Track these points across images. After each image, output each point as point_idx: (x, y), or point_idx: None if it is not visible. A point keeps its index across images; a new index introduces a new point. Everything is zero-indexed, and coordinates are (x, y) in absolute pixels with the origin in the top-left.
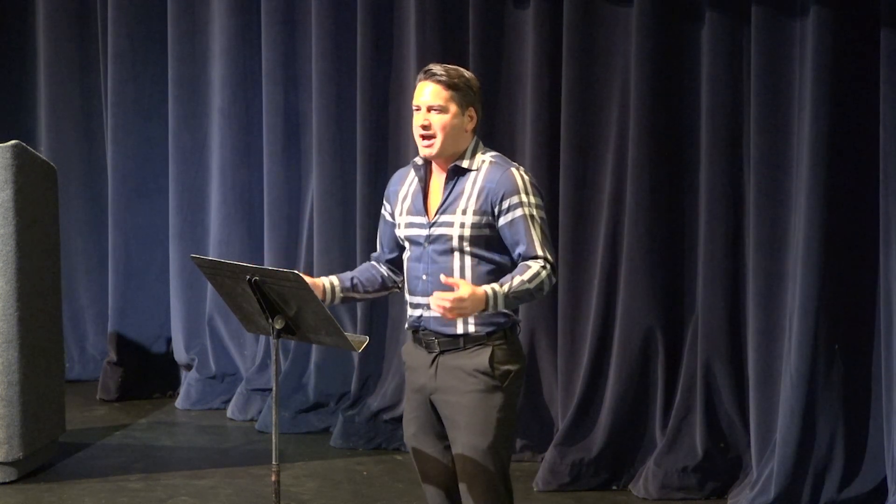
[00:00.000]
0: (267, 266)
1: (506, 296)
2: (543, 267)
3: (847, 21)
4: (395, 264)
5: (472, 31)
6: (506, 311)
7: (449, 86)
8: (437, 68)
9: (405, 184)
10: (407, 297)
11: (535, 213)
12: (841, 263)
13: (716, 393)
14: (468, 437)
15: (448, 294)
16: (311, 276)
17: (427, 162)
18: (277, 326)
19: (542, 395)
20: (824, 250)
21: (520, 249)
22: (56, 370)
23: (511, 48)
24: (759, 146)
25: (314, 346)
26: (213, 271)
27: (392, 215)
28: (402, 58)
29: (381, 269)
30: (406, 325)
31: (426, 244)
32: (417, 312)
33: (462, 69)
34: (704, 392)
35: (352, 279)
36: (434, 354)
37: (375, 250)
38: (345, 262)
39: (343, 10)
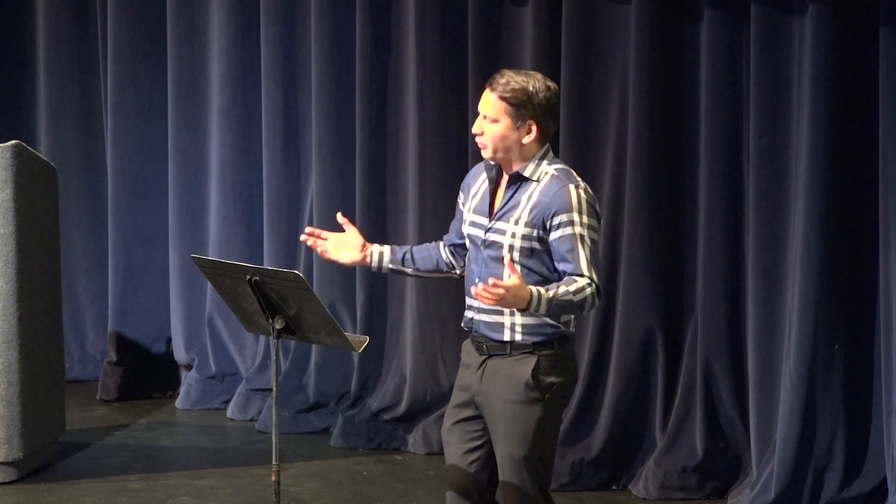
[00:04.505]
0: (267, 266)
1: (549, 301)
2: (589, 285)
3: (846, 20)
4: (460, 250)
5: (471, 31)
6: (552, 321)
7: (504, 99)
8: (502, 79)
9: (479, 179)
10: (466, 295)
11: (585, 233)
12: (841, 263)
13: (716, 393)
14: (506, 446)
15: (494, 287)
16: (311, 277)
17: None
18: (277, 326)
19: None
20: (824, 250)
21: (565, 267)
22: (56, 370)
23: (510, 47)
24: (759, 146)
25: (314, 346)
26: (213, 271)
27: (464, 206)
28: (402, 57)
29: (442, 252)
30: (462, 324)
31: (482, 247)
32: (470, 314)
33: (532, 79)
34: (704, 392)
35: (405, 254)
36: (484, 357)
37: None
38: None
39: (343, 9)
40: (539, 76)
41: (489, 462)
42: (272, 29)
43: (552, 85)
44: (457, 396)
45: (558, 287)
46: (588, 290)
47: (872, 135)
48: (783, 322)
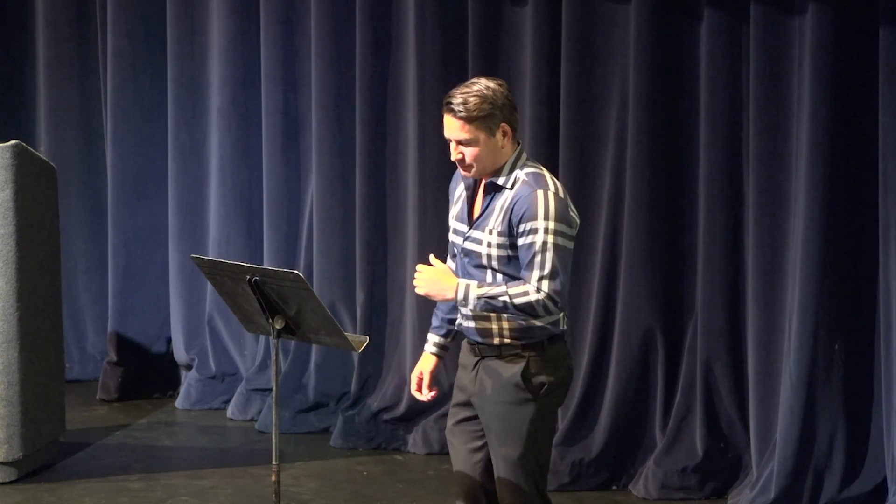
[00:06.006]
0: (267, 266)
1: (478, 297)
2: (537, 291)
3: (846, 20)
4: None
5: (471, 31)
6: (539, 322)
7: (469, 119)
8: (456, 100)
9: (460, 185)
10: None
11: (549, 240)
12: (841, 263)
13: (716, 393)
14: (500, 447)
15: (422, 267)
16: (311, 276)
17: None
18: (277, 326)
19: None
20: (824, 250)
21: (523, 274)
22: (56, 370)
23: (510, 47)
24: (759, 145)
25: (314, 346)
26: (213, 271)
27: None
28: (402, 57)
29: None
30: (455, 325)
31: (462, 255)
32: (460, 320)
33: (482, 88)
34: (704, 392)
35: (450, 328)
36: (477, 358)
37: (374, 251)
38: (344, 263)
39: (342, 9)
40: (484, 80)
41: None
42: (272, 29)
43: (500, 81)
44: (456, 396)
45: (497, 286)
46: (532, 297)
47: (872, 135)
48: (783, 322)
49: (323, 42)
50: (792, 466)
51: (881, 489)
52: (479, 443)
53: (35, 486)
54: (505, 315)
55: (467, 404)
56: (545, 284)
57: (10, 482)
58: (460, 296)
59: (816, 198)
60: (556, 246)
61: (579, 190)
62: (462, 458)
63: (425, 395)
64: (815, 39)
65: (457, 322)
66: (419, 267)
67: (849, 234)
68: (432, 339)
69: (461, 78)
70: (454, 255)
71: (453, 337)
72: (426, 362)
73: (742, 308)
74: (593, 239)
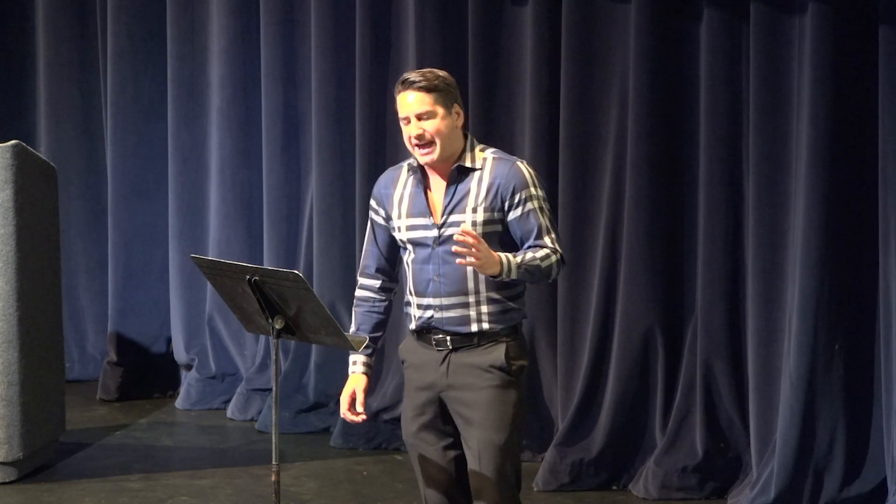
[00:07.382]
0: (267, 266)
1: (518, 266)
2: (554, 252)
3: (846, 19)
4: (387, 272)
5: (471, 31)
6: (515, 304)
7: (429, 89)
8: (412, 76)
9: (398, 186)
10: (411, 298)
11: (543, 205)
12: (841, 263)
13: (716, 393)
14: (484, 433)
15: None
16: (311, 276)
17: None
18: (277, 326)
19: (542, 395)
20: (824, 250)
21: (530, 242)
22: (56, 370)
23: (510, 47)
24: (759, 145)
25: (314, 346)
26: (213, 271)
27: (387, 219)
28: (402, 57)
29: (377, 305)
30: (411, 326)
31: (435, 245)
32: (428, 313)
33: (436, 70)
34: (704, 392)
35: (374, 347)
36: (445, 352)
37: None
38: (344, 263)
39: (343, 9)
40: (436, 69)
41: (464, 457)
42: (272, 29)
43: None
44: (415, 398)
45: (525, 253)
46: (553, 258)
47: (872, 135)
48: (783, 322)
49: (323, 42)
50: (792, 466)
51: (881, 489)
52: (452, 439)
53: (35, 486)
54: (483, 299)
55: (431, 403)
56: (559, 245)
57: (10, 482)
58: (506, 268)
59: (816, 198)
60: (549, 210)
61: (579, 190)
62: (435, 455)
63: (358, 416)
64: (815, 39)
65: (417, 318)
66: (477, 240)
67: (849, 234)
68: (360, 359)
69: (461, 78)
70: (382, 265)
71: (375, 356)
72: (358, 381)
73: (742, 308)
74: (593, 239)
